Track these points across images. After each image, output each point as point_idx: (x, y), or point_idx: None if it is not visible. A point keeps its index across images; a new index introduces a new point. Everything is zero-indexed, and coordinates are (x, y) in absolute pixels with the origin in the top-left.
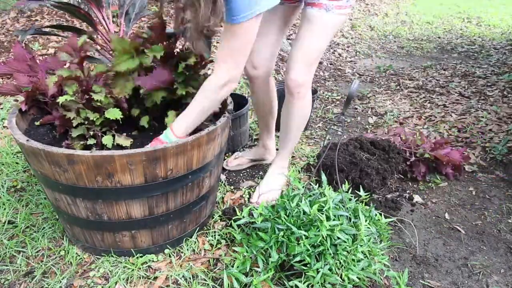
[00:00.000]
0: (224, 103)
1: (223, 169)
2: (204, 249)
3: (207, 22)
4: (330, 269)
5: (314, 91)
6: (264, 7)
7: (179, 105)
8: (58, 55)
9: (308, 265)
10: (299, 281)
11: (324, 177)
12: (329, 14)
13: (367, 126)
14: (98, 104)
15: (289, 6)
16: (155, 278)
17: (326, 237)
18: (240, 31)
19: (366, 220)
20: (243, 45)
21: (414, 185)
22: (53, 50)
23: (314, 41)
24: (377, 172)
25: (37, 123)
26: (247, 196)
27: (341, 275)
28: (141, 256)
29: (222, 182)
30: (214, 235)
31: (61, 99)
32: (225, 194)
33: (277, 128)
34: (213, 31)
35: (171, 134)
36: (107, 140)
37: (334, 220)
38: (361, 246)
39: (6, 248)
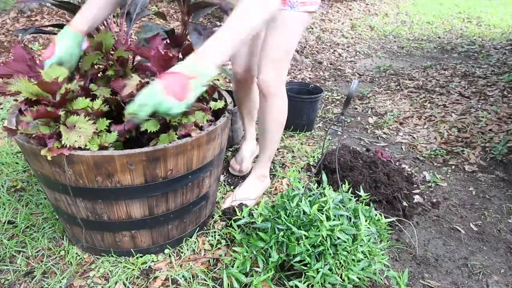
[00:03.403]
0: (224, 103)
1: (233, 175)
2: (204, 249)
3: None
4: (330, 269)
5: (320, 90)
6: None
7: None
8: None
9: (308, 265)
10: (299, 281)
11: (324, 177)
12: (294, 11)
13: (367, 126)
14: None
15: None
16: (155, 278)
17: (326, 237)
18: None
19: (366, 220)
20: None
21: (414, 185)
22: None
23: (280, 40)
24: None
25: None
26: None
27: (341, 275)
28: (141, 256)
29: (221, 183)
30: (214, 235)
31: (71, 86)
32: (225, 194)
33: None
34: None
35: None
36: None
37: (334, 220)
38: (361, 246)
39: (6, 248)
